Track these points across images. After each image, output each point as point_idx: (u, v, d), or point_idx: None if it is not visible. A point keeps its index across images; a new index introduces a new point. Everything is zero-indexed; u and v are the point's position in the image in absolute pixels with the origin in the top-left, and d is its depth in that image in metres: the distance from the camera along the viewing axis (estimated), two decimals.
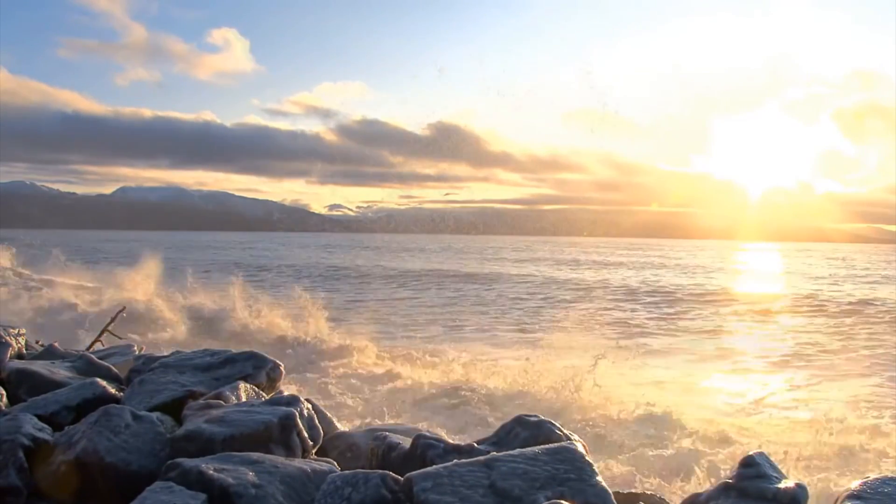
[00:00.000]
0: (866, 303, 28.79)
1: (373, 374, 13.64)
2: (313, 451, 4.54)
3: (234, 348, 5.96)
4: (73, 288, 21.81)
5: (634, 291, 33.49)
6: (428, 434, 4.52)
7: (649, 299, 30.43)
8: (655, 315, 25.45)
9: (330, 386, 12.12)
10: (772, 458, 3.92)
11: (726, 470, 6.47)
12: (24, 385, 5.48)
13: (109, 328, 10.30)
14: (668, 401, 10.85)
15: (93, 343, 9.70)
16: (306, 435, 4.46)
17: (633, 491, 4.54)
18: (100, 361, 6.21)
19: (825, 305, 28.39)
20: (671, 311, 26.74)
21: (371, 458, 4.58)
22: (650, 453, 8.31)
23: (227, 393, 4.94)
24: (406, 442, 4.50)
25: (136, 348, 7.16)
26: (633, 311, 26.73)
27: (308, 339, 16.36)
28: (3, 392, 5.21)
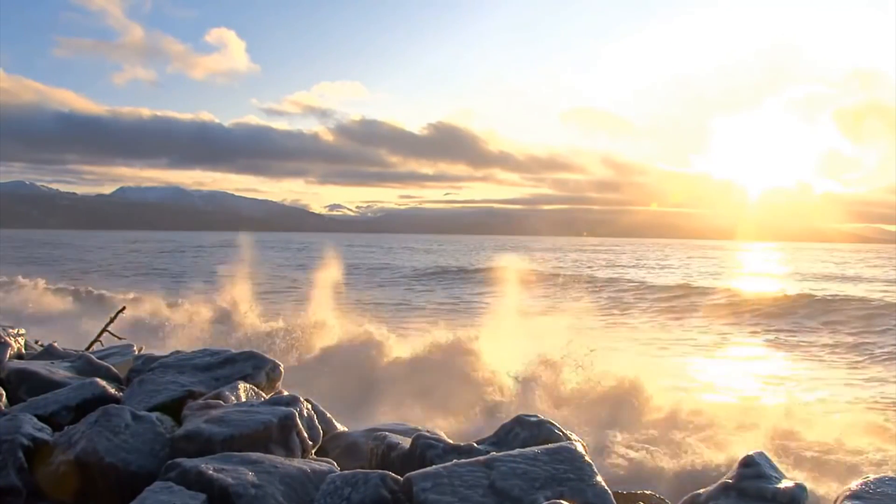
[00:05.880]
0: None
1: None
2: (313, 451, 4.54)
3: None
4: None
5: None
6: (427, 434, 4.52)
7: None
8: None
9: None
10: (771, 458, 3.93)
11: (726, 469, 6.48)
12: (23, 385, 5.48)
13: (109, 328, 10.27)
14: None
15: (92, 343, 9.68)
16: (306, 435, 4.46)
17: (633, 491, 4.55)
18: (99, 361, 6.20)
19: None
20: None
21: (371, 458, 4.58)
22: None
23: (227, 393, 4.94)
24: (406, 442, 4.51)
25: (135, 348, 7.16)
26: None
27: None
28: (3, 392, 5.21)
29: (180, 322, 17.73)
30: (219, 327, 16.93)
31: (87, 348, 8.46)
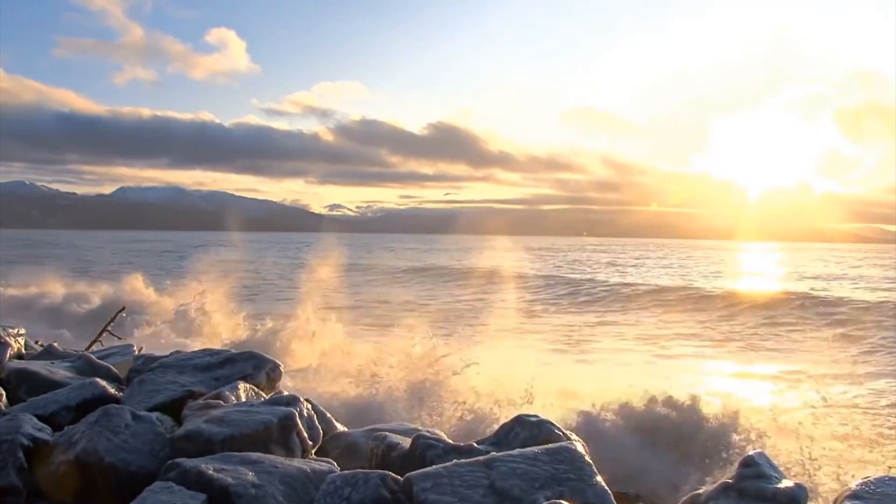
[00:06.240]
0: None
1: None
2: (313, 451, 4.55)
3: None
4: None
5: None
6: (427, 434, 4.52)
7: None
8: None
9: None
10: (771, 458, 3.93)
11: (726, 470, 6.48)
12: (23, 385, 5.48)
13: (109, 328, 10.29)
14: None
15: (92, 343, 9.69)
16: (306, 435, 4.46)
17: (630, 491, 4.55)
18: (99, 361, 6.21)
19: None
20: None
21: (371, 458, 4.58)
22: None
23: (227, 393, 4.94)
24: (406, 442, 4.51)
25: (135, 348, 7.16)
26: None
27: None
28: (3, 392, 5.21)
29: (162, 322, 17.62)
30: (198, 328, 16.86)
31: (87, 348, 8.47)
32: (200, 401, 4.82)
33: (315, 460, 4.27)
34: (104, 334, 10.15)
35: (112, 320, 10.56)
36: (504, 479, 3.52)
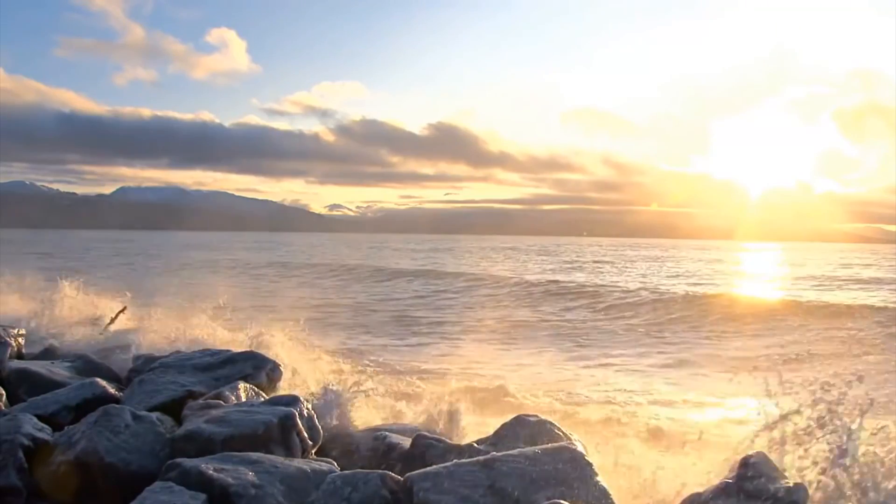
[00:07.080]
0: None
1: None
2: (313, 451, 4.54)
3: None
4: None
5: None
6: (428, 434, 4.53)
7: None
8: None
9: None
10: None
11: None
12: (23, 385, 5.49)
13: (110, 328, 10.26)
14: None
15: None
16: (306, 435, 4.46)
17: None
18: (100, 361, 6.22)
19: None
20: None
21: (371, 458, 4.59)
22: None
23: (227, 393, 4.95)
24: (406, 442, 4.51)
25: (135, 348, 7.17)
26: None
27: None
28: (3, 392, 5.21)
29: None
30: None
31: None
32: (200, 401, 4.83)
33: (315, 460, 4.27)
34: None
35: (113, 320, 10.53)
36: (504, 479, 3.52)
